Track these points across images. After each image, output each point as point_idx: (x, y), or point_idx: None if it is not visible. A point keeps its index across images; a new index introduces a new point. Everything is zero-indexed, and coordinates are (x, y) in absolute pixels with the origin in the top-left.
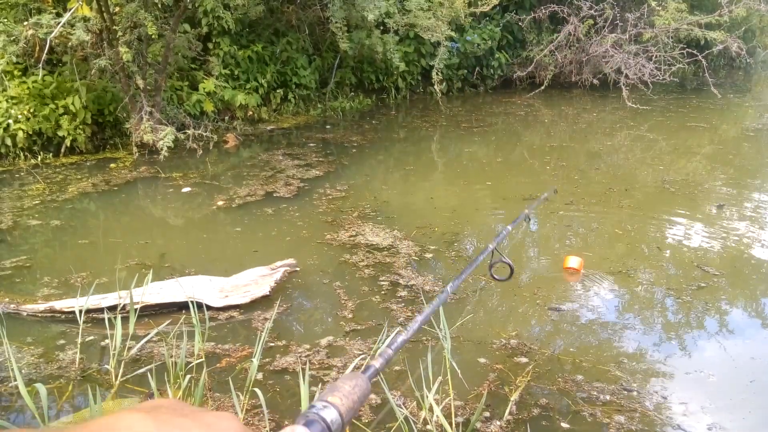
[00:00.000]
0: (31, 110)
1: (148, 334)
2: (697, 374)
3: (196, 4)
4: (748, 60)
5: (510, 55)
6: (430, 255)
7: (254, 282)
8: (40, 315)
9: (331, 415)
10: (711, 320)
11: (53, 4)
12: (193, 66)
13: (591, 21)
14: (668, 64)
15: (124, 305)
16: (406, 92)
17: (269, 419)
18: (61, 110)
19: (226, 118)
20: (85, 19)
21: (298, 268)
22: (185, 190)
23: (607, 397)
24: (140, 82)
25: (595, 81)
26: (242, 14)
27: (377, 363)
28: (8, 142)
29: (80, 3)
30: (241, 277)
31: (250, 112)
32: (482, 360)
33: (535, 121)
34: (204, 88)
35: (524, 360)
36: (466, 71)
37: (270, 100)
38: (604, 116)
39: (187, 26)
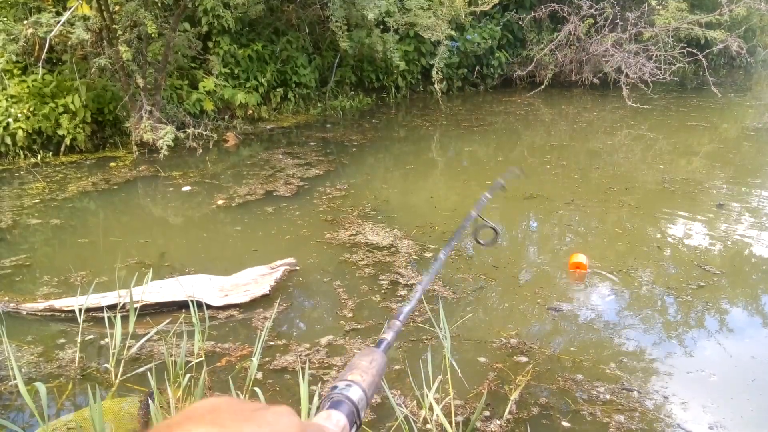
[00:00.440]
0: (31, 109)
1: (148, 333)
2: (698, 373)
3: (196, 2)
4: (748, 59)
5: (510, 54)
6: (430, 254)
7: (254, 281)
8: (39, 314)
9: (356, 394)
10: (711, 319)
11: (53, 2)
12: (193, 65)
13: (591, 20)
14: (668, 63)
15: (124, 304)
16: (406, 91)
17: None
18: (61, 109)
19: (226, 116)
20: (85, 18)
21: (297, 267)
22: (185, 189)
23: (607, 397)
24: (140, 81)
25: (596, 80)
26: (242, 13)
27: (388, 336)
28: (8, 140)
29: (80, 2)
30: (241, 276)
31: (250, 111)
32: (482, 359)
33: (536, 120)
34: (204, 87)
35: (524, 359)
36: (466, 70)
37: (270, 99)
38: (604, 115)
39: (187, 25)
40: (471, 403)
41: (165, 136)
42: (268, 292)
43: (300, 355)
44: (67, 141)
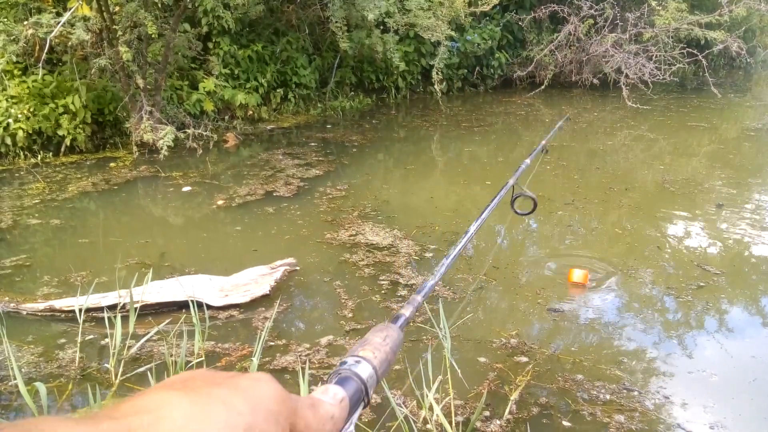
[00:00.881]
0: (31, 109)
1: (148, 333)
2: (698, 373)
3: (196, 3)
4: (748, 60)
5: (510, 54)
6: (431, 254)
7: (254, 281)
8: (39, 314)
9: (365, 371)
10: (711, 319)
11: (53, 3)
12: (193, 65)
13: (591, 21)
14: (668, 63)
15: (124, 304)
16: (406, 92)
17: None
18: (61, 109)
19: (226, 117)
20: (85, 19)
21: (298, 268)
22: (185, 189)
23: (608, 397)
24: (140, 82)
25: (595, 81)
26: (242, 14)
27: (407, 311)
28: (8, 141)
29: (80, 2)
30: (241, 277)
31: (250, 112)
32: (482, 359)
33: (536, 120)
34: (204, 88)
35: (524, 359)
36: (466, 71)
37: (270, 100)
38: (604, 116)
39: (187, 26)
40: (471, 403)
41: (165, 136)
42: (268, 292)
43: (300, 355)
44: (68, 141)
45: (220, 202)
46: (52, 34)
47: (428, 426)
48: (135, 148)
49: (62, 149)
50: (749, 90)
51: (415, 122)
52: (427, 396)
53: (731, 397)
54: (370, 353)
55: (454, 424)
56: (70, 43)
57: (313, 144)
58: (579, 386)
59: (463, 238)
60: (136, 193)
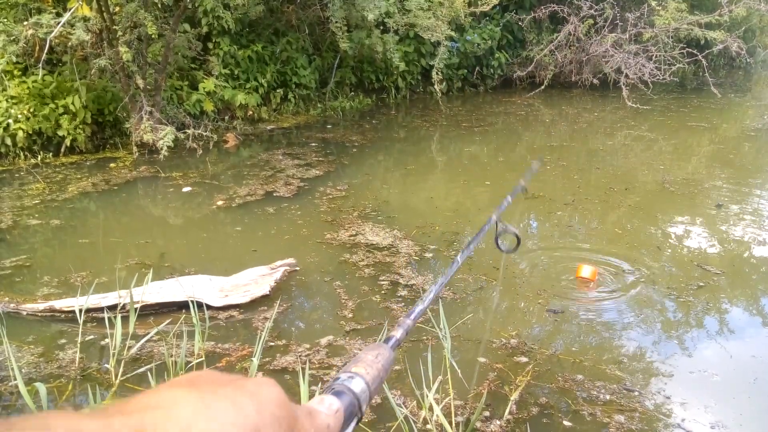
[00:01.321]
0: (31, 110)
1: (148, 333)
2: (699, 373)
3: (196, 3)
4: (748, 60)
5: (510, 54)
6: (431, 254)
7: (254, 281)
8: (40, 314)
9: (358, 386)
10: (712, 319)
11: (53, 3)
12: (193, 66)
13: (591, 21)
14: (668, 63)
15: (124, 305)
16: (406, 92)
17: None
18: (61, 110)
19: (226, 117)
20: (85, 19)
21: (298, 268)
22: (185, 189)
23: (608, 397)
24: (140, 82)
25: (595, 81)
26: (242, 14)
27: (398, 333)
28: (8, 141)
29: (80, 3)
30: (241, 277)
31: (250, 112)
32: (482, 359)
33: (536, 120)
34: (204, 88)
35: (524, 359)
36: (466, 71)
37: (270, 100)
38: (604, 116)
39: (187, 26)
40: (471, 404)
41: (165, 136)
42: (268, 293)
43: (300, 356)
44: (67, 142)
45: (220, 203)
46: (52, 34)
47: (428, 426)
48: (135, 149)
49: (62, 149)
50: (749, 90)
51: (415, 122)
52: (427, 396)
53: (732, 397)
54: (363, 369)
55: (454, 424)
56: (70, 44)
57: (313, 144)
58: (579, 386)
59: (451, 267)
60: (136, 194)
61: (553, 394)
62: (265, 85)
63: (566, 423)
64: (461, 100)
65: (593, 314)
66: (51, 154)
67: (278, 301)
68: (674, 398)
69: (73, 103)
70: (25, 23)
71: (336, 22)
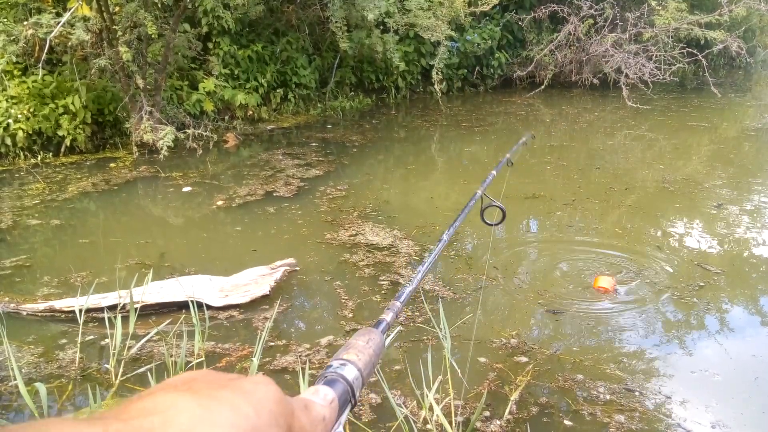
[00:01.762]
0: (31, 110)
1: (148, 333)
2: (699, 373)
3: (196, 3)
4: (748, 59)
5: (510, 54)
6: None
7: (254, 281)
8: (40, 314)
9: (351, 373)
10: (712, 319)
11: (53, 3)
12: (193, 65)
13: (591, 20)
14: (668, 63)
15: (124, 305)
16: (406, 92)
17: None
18: (61, 110)
19: (226, 117)
20: (85, 19)
21: (298, 268)
22: (185, 189)
23: (608, 397)
24: (140, 82)
25: (595, 80)
26: (242, 14)
27: (387, 316)
28: (8, 141)
29: (80, 3)
30: (241, 277)
31: (250, 112)
32: (482, 359)
33: (536, 120)
34: (204, 88)
35: (524, 359)
36: (466, 71)
37: (270, 100)
38: (604, 116)
39: (187, 26)
40: (471, 403)
41: (165, 136)
42: (268, 293)
43: (300, 356)
44: (67, 142)
45: (220, 203)
46: (52, 34)
47: (428, 426)
48: (135, 149)
49: (62, 149)
50: (749, 90)
51: (415, 122)
52: (427, 396)
53: (732, 397)
54: (355, 356)
55: (454, 424)
56: (70, 44)
57: (313, 144)
58: (579, 386)
59: (438, 245)
60: (136, 194)
61: (553, 393)
62: (265, 85)
63: (566, 422)
64: (461, 100)
65: (593, 314)
66: (51, 154)
67: (278, 301)
68: (675, 398)
69: (73, 103)
70: (25, 23)
71: (336, 21)
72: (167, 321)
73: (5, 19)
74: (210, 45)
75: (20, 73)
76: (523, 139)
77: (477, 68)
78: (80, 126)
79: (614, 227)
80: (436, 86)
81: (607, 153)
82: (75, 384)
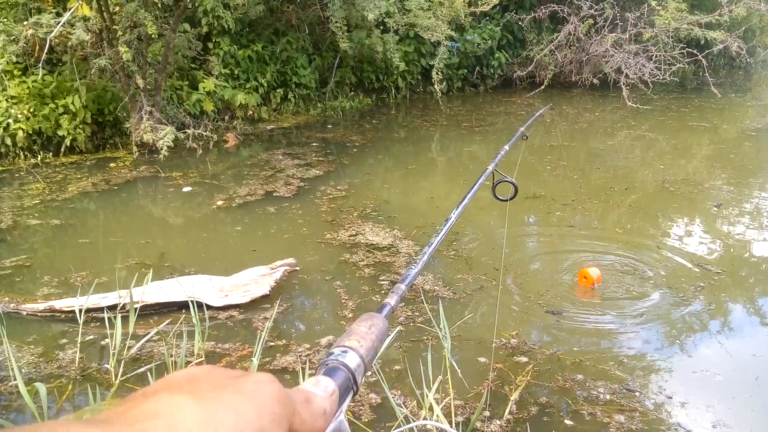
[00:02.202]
0: (31, 110)
1: (148, 333)
2: (700, 373)
3: (196, 3)
4: (748, 59)
5: (510, 54)
6: None
7: (254, 281)
8: (40, 314)
9: (353, 360)
10: (712, 319)
11: (53, 3)
12: (193, 65)
13: (591, 20)
14: (668, 63)
15: (124, 304)
16: (406, 92)
17: None
18: (61, 110)
19: (226, 117)
20: (85, 19)
21: (298, 268)
22: (185, 189)
23: (608, 397)
24: (140, 82)
25: (596, 80)
26: (242, 14)
27: (392, 300)
28: (8, 141)
29: (80, 2)
30: (241, 277)
31: (250, 112)
32: (482, 359)
33: (536, 120)
34: (204, 88)
35: (524, 359)
36: (466, 71)
37: (270, 100)
38: (604, 116)
39: (187, 26)
40: (471, 403)
41: (165, 136)
42: (268, 293)
43: (300, 356)
44: (67, 142)
45: (220, 203)
46: (52, 34)
47: (428, 426)
48: (135, 149)
49: (62, 149)
50: (749, 90)
51: (415, 122)
52: (427, 396)
53: (733, 397)
54: (356, 342)
55: (454, 424)
56: (70, 43)
57: (313, 144)
58: (579, 386)
59: (445, 224)
60: (136, 194)
61: (554, 393)
62: (265, 84)
63: (566, 422)
64: (461, 100)
65: (593, 314)
66: (51, 154)
67: (278, 301)
68: (675, 398)
69: (73, 103)
70: (25, 23)
71: (336, 21)
72: (167, 321)
73: (5, 19)
74: (210, 45)
75: (20, 73)
76: (541, 110)
77: (477, 68)
78: (80, 126)
79: (614, 227)
80: (436, 86)
81: (607, 153)
82: (75, 384)
